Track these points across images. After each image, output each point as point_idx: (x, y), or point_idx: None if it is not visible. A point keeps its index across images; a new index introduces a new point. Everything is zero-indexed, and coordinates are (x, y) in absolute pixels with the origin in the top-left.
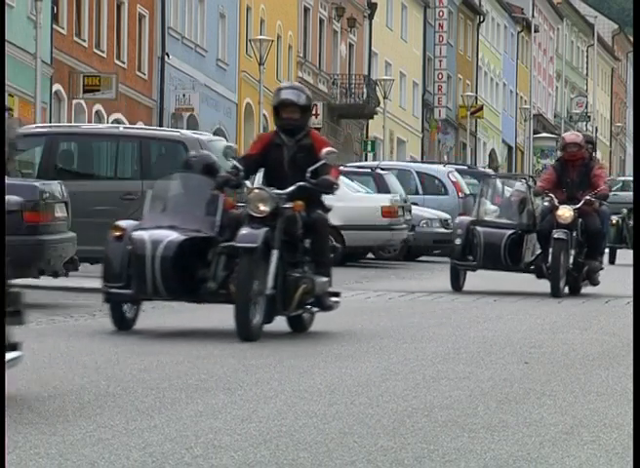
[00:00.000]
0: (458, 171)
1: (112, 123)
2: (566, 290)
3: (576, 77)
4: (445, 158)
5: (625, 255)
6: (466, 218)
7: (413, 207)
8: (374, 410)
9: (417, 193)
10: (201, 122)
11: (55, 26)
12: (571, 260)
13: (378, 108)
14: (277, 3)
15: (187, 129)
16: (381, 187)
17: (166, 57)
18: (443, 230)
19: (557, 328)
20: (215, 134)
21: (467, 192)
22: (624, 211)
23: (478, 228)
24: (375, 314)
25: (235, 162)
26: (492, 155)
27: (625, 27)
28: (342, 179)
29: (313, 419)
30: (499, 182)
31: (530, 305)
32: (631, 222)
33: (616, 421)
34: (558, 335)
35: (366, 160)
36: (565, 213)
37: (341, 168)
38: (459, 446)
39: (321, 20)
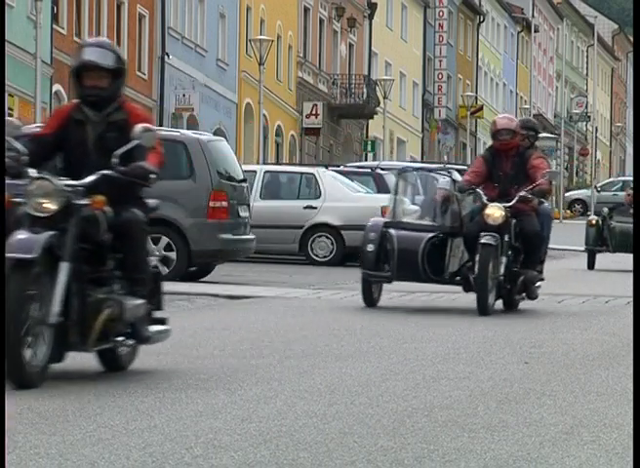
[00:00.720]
0: (458, 171)
1: None
2: (500, 305)
3: (576, 77)
4: (445, 158)
5: (607, 260)
6: (380, 220)
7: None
8: (374, 410)
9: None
10: (201, 122)
11: (55, 26)
12: (502, 269)
13: (378, 108)
14: (277, 3)
15: (187, 129)
16: (381, 187)
17: (166, 57)
18: None
19: (557, 328)
20: (215, 134)
21: None
22: (605, 209)
23: (392, 231)
24: (375, 314)
25: (16, 143)
26: None
27: (625, 27)
28: (342, 179)
29: (313, 419)
30: (420, 177)
31: (531, 305)
32: (613, 222)
33: (616, 421)
34: (558, 335)
35: (366, 160)
36: (494, 212)
37: (342, 168)
38: (459, 446)
39: (321, 20)
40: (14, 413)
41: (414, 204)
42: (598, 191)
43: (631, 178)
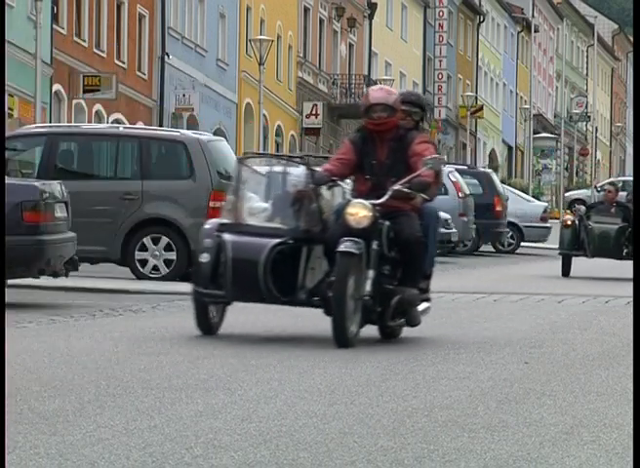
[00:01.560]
0: (458, 171)
1: (112, 123)
2: (375, 332)
3: (576, 77)
4: (445, 158)
5: (584, 265)
6: (217, 222)
7: None
8: (374, 410)
9: None
10: (201, 122)
11: (55, 26)
12: (368, 287)
13: None
14: (277, 3)
15: (187, 129)
16: None
17: (166, 57)
18: (443, 230)
19: (557, 328)
20: (215, 134)
21: (467, 192)
22: (582, 208)
23: (227, 237)
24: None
25: None
26: (492, 155)
27: (625, 27)
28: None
29: (313, 419)
30: (271, 165)
31: (530, 305)
32: (591, 223)
33: (616, 421)
34: (558, 335)
35: None
36: (358, 211)
37: None
38: (459, 446)
39: (321, 20)
40: (14, 413)
41: (264, 201)
42: (598, 191)
43: (631, 178)
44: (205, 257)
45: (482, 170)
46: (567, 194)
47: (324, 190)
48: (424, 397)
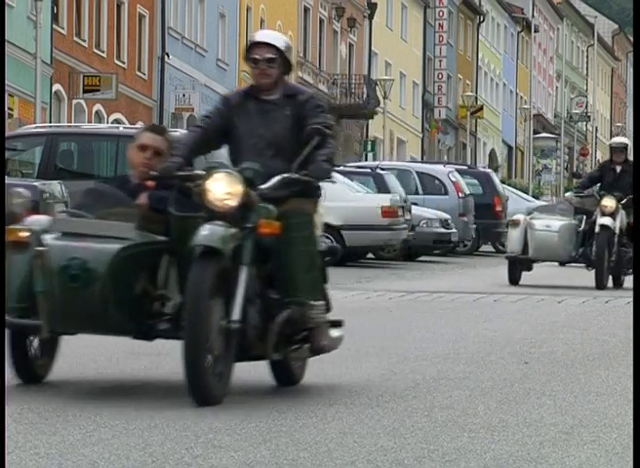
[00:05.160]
0: (458, 171)
1: (112, 123)
2: None
3: (576, 77)
4: (445, 158)
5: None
6: None
7: (413, 207)
8: (374, 410)
9: (417, 193)
10: None
11: (55, 26)
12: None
13: (378, 108)
14: (277, 3)
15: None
16: (381, 187)
17: (166, 57)
18: (443, 230)
19: (557, 328)
20: None
21: (467, 192)
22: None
23: None
24: (375, 314)
25: None
26: (492, 155)
27: (625, 27)
28: (342, 179)
29: (313, 419)
30: None
31: (530, 305)
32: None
33: (616, 421)
34: (558, 335)
35: (366, 160)
36: None
37: (342, 168)
38: (459, 446)
39: (321, 20)
40: (14, 413)
41: None
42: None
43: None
44: None
45: (482, 170)
46: (567, 194)
47: None
48: (424, 397)
